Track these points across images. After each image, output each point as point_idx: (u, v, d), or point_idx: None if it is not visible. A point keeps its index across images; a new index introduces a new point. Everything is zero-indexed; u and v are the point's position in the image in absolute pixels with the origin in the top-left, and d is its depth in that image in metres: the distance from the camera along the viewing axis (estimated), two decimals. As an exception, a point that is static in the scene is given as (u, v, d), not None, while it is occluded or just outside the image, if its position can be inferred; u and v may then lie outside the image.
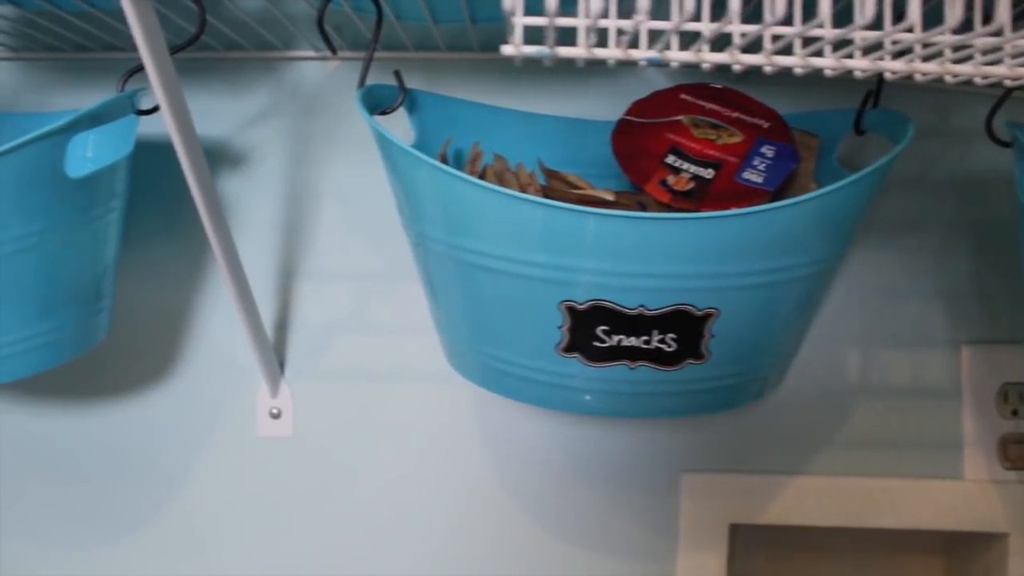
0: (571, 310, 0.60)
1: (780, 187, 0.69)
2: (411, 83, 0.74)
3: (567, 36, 0.47)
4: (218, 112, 0.87)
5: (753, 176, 0.68)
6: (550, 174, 0.73)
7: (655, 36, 0.47)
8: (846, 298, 0.85)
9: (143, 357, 0.89)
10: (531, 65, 0.83)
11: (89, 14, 0.76)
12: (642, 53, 0.46)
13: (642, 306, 0.60)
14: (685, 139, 0.70)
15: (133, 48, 0.84)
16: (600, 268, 0.59)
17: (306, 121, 0.86)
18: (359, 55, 0.83)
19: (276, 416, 0.88)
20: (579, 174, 0.74)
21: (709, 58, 0.46)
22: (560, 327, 0.61)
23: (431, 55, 0.83)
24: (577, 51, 0.47)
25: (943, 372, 0.86)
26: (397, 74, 0.72)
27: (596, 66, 0.82)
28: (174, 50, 0.73)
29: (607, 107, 0.83)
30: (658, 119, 0.72)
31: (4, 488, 0.92)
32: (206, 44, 0.82)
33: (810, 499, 0.85)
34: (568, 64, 0.83)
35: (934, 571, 0.92)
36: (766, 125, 0.71)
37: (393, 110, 0.72)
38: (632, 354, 0.62)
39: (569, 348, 0.62)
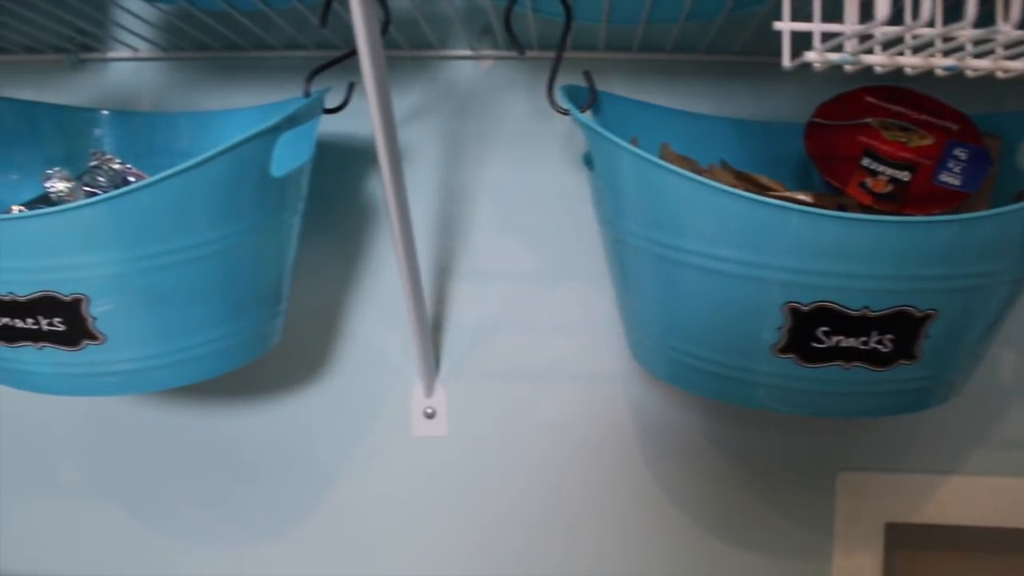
0: (795, 311, 0.61)
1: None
2: (570, 82, 0.74)
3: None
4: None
5: (950, 179, 0.69)
6: (738, 176, 0.73)
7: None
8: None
9: (298, 357, 0.89)
10: (687, 67, 0.84)
11: (256, 12, 0.76)
12: (942, 61, 0.47)
13: (866, 307, 0.60)
14: (877, 141, 0.71)
15: (286, 47, 0.85)
16: (829, 270, 0.59)
17: (460, 121, 0.86)
18: (512, 55, 0.84)
19: (431, 416, 0.88)
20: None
21: (1011, 66, 0.46)
22: (780, 328, 0.62)
23: (590, 55, 0.83)
24: (878, 58, 0.47)
25: (1098, 372, 0.86)
26: (587, 75, 0.72)
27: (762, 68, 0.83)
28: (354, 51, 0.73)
29: (763, 108, 0.83)
30: (846, 121, 0.72)
31: (161, 486, 0.92)
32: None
33: (965, 499, 0.85)
34: (728, 66, 0.84)
35: (1082, 572, 0.93)
36: (955, 127, 0.71)
37: (584, 110, 0.72)
38: (848, 355, 0.62)
39: (786, 349, 0.62)
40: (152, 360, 0.68)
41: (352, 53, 0.65)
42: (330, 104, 0.74)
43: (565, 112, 0.70)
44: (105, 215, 0.61)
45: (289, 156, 0.70)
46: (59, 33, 0.83)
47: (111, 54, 0.87)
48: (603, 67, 0.84)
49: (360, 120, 0.82)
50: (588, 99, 0.72)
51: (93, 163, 0.75)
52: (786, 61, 0.51)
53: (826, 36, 0.49)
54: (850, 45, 0.49)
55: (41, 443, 0.93)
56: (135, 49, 0.86)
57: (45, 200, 0.70)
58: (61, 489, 0.94)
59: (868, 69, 0.50)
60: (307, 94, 0.74)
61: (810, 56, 0.46)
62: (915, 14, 0.43)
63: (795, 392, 0.66)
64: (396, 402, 0.89)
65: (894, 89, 0.74)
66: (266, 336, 0.75)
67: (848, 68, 0.50)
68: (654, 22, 0.76)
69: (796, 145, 0.78)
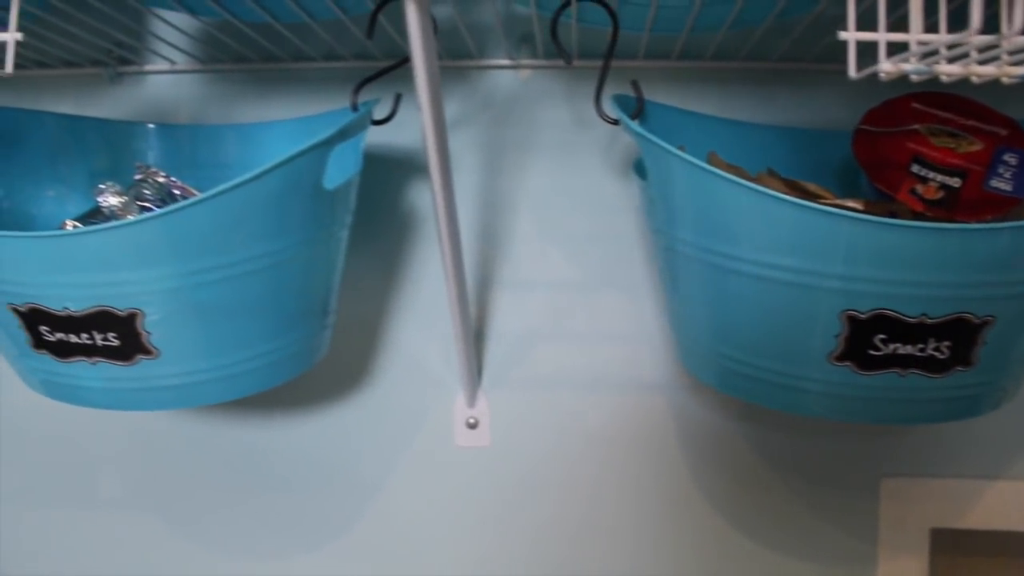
0: (852, 319, 0.61)
1: None
2: (609, 90, 0.74)
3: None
4: (410, 121, 0.87)
5: (1001, 184, 0.69)
6: (786, 183, 0.73)
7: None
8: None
9: (340, 367, 0.89)
10: (726, 74, 0.84)
11: (295, 24, 0.76)
12: (1015, 70, 0.47)
13: (924, 315, 0.60)
14: (925, 148, 0.71)
15: (324, 57, 0.85)
16: (887, 278, 0.59)
17: (500, 130, 0.86)
18: (551, 64, 0.84)
19: (473, 426, 0.88)
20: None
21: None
22: (837, 335, 0.62)
23: (629, 63, 0.83)
24: (950, 68, 0.47)
25: None
26: (635, 84, 0.72)
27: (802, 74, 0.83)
28: (403, 61, 0.73)
29: (803, 114, 0.84)
30: (893, 128, 0.72)
31: (203, 498, 0.92)
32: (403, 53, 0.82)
33: (1011, 504, 0.85)
34: (768, 73, 0.84)
35: None
36: (1004, 133, 0.71)
37: (632, 119, 0.72)
38: (905, 362, 0.62)
39: (842, 356, 0.62)
40: (204, 374, 0.68)
41: (404, 61, 0.66)
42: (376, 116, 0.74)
43: (614, 122, 0.70)
44: (162, 230, 0.61)
45: (339, 169, 0.70)
46: (97, 46, 0.83)
47: (149, 67, 0.87)
48: (642, 75, 0.84)
49: (400, 130, 0.83)
50: (635, 108, 0.72)
51: (138, 176, 0.75)
52: (852, 71, 0.51)
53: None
54: (914, 55, 0.49)
55: (85, 455, 0.93)
56: (172, 62, 0.86)
57: (97, 214, 0.70)
58: (103, 501, 0.93)
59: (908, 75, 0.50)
60: (354, 105, 0.74)
61: (883, 67, 0.46)
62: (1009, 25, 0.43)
63: (849, 399, 0.65)
64: (438, 412, 0.89)
65: (940, 95, 0.74)
66: (315, 349, 0.75)
67: (915, 78, 0.50)
68: (698, 30, 0.76)
69: (839, 152, 0.78)
